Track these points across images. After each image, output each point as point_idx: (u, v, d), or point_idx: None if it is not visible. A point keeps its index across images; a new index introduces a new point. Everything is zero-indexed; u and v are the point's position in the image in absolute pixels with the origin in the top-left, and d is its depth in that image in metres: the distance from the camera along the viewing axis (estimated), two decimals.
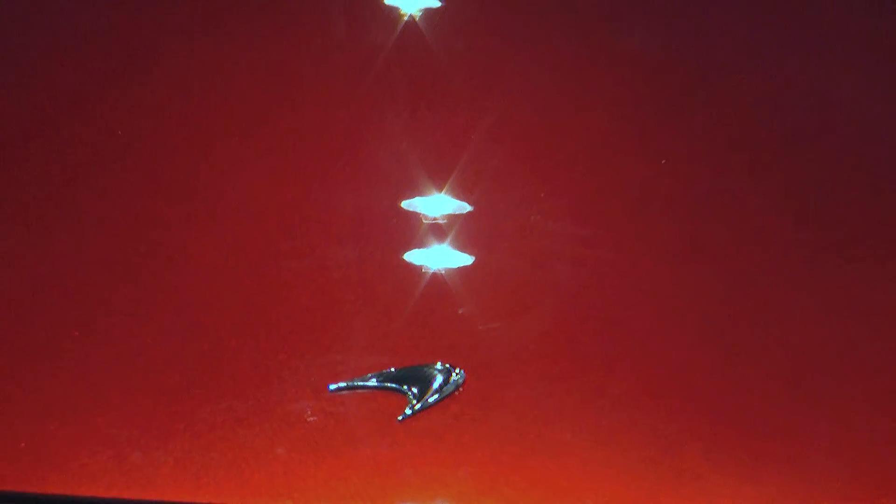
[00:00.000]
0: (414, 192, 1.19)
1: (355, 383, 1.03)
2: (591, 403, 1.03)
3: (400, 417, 1.01)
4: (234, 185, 1.19)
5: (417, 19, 1.36)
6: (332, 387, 1.02)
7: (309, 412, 1.01)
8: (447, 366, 1.04)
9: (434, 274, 1.12)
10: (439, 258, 1.13)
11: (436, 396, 1.02)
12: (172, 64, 1.37)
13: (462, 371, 1.03)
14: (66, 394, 1.02)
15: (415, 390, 1.02)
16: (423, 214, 1.17)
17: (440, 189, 1.19)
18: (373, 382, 1.03)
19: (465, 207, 1.17)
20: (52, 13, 1.57)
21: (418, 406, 1.01)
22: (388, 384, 1.03)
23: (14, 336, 1.07)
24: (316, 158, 1.23)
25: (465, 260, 1.13)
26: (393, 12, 1.37)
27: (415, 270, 1.12)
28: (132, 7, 1.47)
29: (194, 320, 1.08)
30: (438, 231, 1.16)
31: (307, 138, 1.24)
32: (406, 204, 1.17)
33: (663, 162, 1.23)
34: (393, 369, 1.04)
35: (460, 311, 1.08)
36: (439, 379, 1.03)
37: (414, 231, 1.16)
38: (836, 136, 1.39)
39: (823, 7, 1.56)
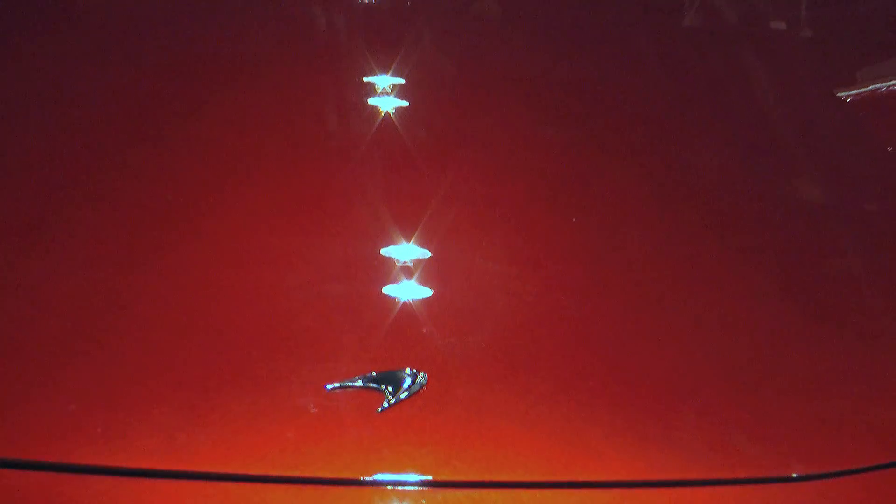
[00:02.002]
0: (389, 242, 1.22)
1: (346, 383, 1.05)
2: (521, 399, 1.06)
3: (379, 409, 1.04)
4: (253, 242, 1.21)
5: (392, 115, 1.44)
6: (329, 386, 1.05)
7: (311, 405, 1.04)
8: (414, 371, 1.07)
9: (404, 303, 1.15)
10: (408, 291, 1.16)
11: (406, 394, 1.05)
12: (200, 125, 1.39)
13: (426, 375, 1.06)
14: (132, 392, 1.04)
15: (390, 389, 1.05)
16: (396, 259, 1.20)
17: (408, 240, 1.22)
18: (359, 383, 1.05)
19: (427, 253, 1.21)
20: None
21: (393, 401, 1.04)
22: (371, 384, 1.05)
23: (90, 350, 1.08)
24: (315, 218, 1.27)
25: (427, 292, 1.16)
26: (373, 110, 1.45)
27: (390, 300, 1.15)
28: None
29: (229, 341, 1.10)
30: (407, 271, 1.19)
31: (310, 203, 1.29)
32: (383, 251, 1.21)
33: (574, 220, 1.28)
34: (374, 373, 1.06)
35: (424, 331, 1.12)
36: (408, 381, 1.06)
37: (389, 271, 1.19)
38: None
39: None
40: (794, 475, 1.04)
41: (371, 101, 1.46)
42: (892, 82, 1.61)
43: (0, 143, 1.36)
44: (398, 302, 1.15)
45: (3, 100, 1.43)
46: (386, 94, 1.47)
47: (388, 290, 1.17)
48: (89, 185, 1.29)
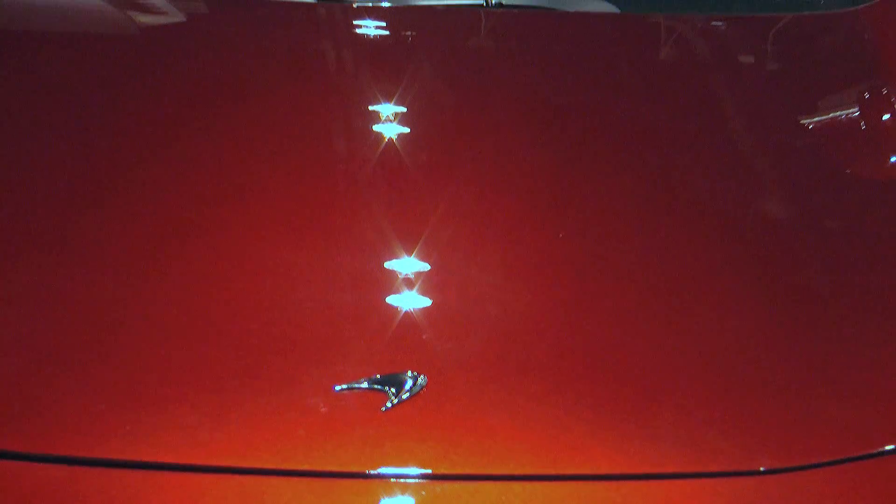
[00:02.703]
0: (392, 256, 1.25)
1: (352, 385, 1.08)
2: (513, 399, 1.08)
3: (383, 408, 1.06)
4: (268, 255, 1.23)
5: (395, 140, 1.46)
6: (337, 387, 1.07)
7: (321, 405, 1.06)
8: (416, 373, 1.09)
9: (406, 311, 1.17)
10: (409, 300, 1.19)
11: (408, 394, 1.07)
12: (219, 145, 1.40)
13: (426, 377, 1.08)
14: (157, 392, 1.07)
15: (393, 390, 1.07)
16: (399, 271, 1.23)
17: (410, 254, 1.25)
18: (365, 385, 1.08)
19: (426, 266, 1.24)
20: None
21: (396, 401, 1.06)
22: (376, 386, 1.07)
23: (117, 353, 1.10)
24: (325, 234, 1.29)
25: (427, 302, 1.19)
26: (378, 135, 1.47)
27: (393, 309, 1.18)
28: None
29: (246, 346, 1.12)
30: (409, 282, 1.21)
31: (320, 220, 1.31)
32: (387, 265, 1.24)
33: (561, 235, 1.31)
34: (378, 375, 1.08)
35: (424, 337, 1.14)
36: (410, 382, 1.08)
37: (392, 282, 1.22)
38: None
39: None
40: (762, 469, 1.06)
41: (375, 127, 1.50)
42: (850, 111, 1.65)
43: (29, 159, 1.38)
44: (400, 310, 1.18)
45: (14, 112, 1.45)
46: (389, 121, 1.50)
47: (391, 299, 1.20)
48: (120, 200, 1.32)
